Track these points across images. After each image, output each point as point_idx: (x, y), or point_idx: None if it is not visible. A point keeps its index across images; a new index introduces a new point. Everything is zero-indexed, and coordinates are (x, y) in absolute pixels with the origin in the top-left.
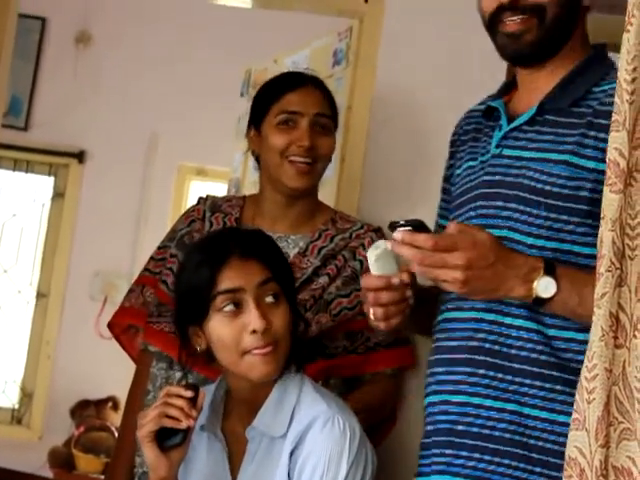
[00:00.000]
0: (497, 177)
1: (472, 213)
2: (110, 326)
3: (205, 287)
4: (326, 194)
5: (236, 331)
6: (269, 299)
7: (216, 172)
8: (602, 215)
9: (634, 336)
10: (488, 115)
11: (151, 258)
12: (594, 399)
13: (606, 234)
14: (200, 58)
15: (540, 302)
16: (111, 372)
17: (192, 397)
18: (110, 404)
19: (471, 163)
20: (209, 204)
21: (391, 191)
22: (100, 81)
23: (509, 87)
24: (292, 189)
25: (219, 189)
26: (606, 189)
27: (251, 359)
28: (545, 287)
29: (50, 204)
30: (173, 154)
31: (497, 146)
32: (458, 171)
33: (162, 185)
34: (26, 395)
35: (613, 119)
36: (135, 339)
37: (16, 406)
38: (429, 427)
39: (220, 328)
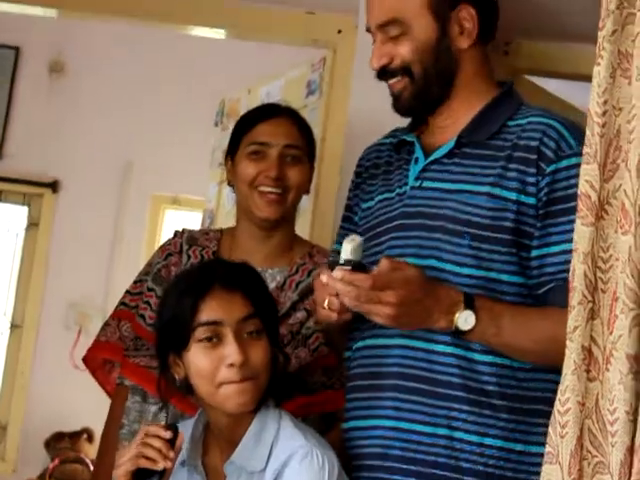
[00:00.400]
0: (418, 208)
1: (393, 242)
2: (85, 360)
3: (186, 317)
4: (301, 225)
5: (214, 363)
6: (249, 334)
7: (190, 201)
8: (574, 248)
9: (606, 369)
10: (398, 149)
11: (127, 292)
12: (567, 433)
13: (578, 267)
14: (174, 88)
15: (460, 333)
16: (86, 404)
17: (171, 438)
18: (85, 436)
19: (387, 195)
20: (186, 237)
21: None
22: (74, 110)
23: (418, 122)
24: (262, 219)
25: (193, 218)
26: (578, 221)
27: (227, 390)
28: (465, 320)
29: (24, 234)
30: (147, 183)
31: (416, 178)
32: (370, 203)
33: (136, 214)
34: (0, 427)
35: (584, 152)
36: (111, 374)
37: None
38: (356, 451)
39: (198, 359)
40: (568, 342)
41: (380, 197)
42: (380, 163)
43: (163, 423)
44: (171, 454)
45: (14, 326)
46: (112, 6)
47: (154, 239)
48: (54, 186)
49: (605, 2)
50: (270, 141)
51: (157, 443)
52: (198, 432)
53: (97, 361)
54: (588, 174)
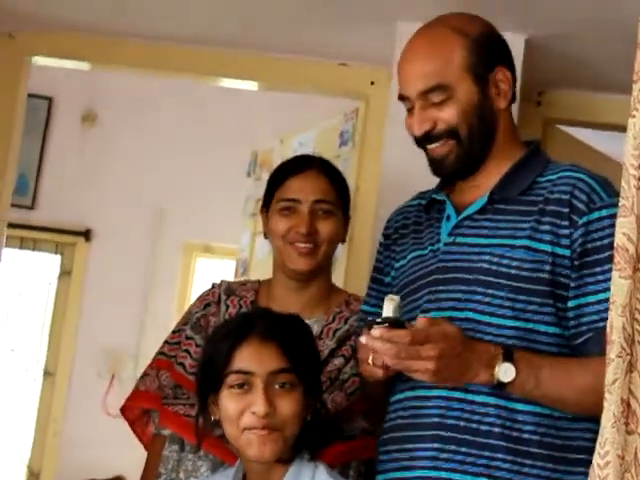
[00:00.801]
0: (454, 263)
1: (430, 296)
2: (124, 410)
3: (221, 362)
4: (335, 274)
5: (240, 408)
6: (281, 386)
7: (223, 249)
8: (612, 300)
9: None
10: (428, 209)
11: (166, 342)
12: None
13: (616, 319)
14: (206, 137)
15: (501, 386)
16: (118, 451)
17: None
18: None
19: (419, 252)
20: (224, 288)
21: None
22: (106, 159)
23: (448, 182)
24: (296, 272)
25: (225, 266)
26: (615, 274)
27: (249, 436)
28: (505, 372)
29: (57, 282)
30: (179, 231)
31: (450, 234)
32: (402, 262)
33: (168, 262)
34: (33, 474)
35: (620, 204)
36: (148, 426)
37: None
38: None
39: (227, 403)
40: (607, 394)
41: (413, 254)
42: (408, 224)
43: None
44: None
45: (47, 373)
46: (143, 59)
47: (186, 286)
48: (87, 235)
49: None
50: (299, 197)
51: None
52: None
53: (135, 411)
54: (625, 227)
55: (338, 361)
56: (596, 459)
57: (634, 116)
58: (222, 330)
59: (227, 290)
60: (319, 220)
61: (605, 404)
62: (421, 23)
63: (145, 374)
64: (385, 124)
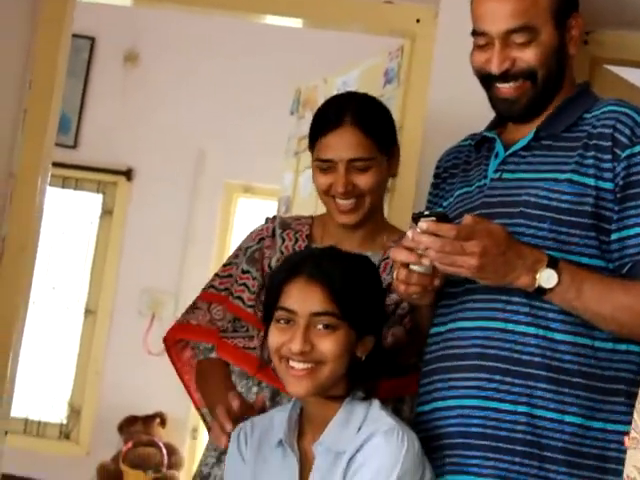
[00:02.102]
0: (499, 198)
1: None
2: (165, 340)
3: (273, 296)
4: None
5: (282, 341)
6: (323, 327)
7: (263, 189)
8: None
9: None
10: (478, 147)
11: (216, 275)
12: None
13: None
14: (248, 76)
15: (541, 292)
16: (158, 388)
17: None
18: (158, 420)
19: (465, 189)
20: (278, 222)
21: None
22: (148, 99)
23: (500, 121)
24: (342, 225)
25: (266, 206)
26: None
27: (287, 370)
28: (547, 278)
29: (98, 222)
30: (220, 172)
31: (496, 171)
32: (449, 200)
33: (209, 202)
34: (74, 411)
35: None
36: (184, 352)
37: (64, 422)
38: (436, 431)
39: (272, 334)
40: None
41: (459, 192)
42: (459, 163)
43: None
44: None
45: (88, 312)
46: None
47: (227, 227)
48: (128, 174)
49: None
50: (334, 158)
51: None
52: (295, 414)
53: (173, 342)
54: None
55: (395, 296)
56: None
57: None
58: (279, 266)
59: (282, 224)
60: (357, 175)
61: None
62: None
63: (195, 307)
64: (431, 62)
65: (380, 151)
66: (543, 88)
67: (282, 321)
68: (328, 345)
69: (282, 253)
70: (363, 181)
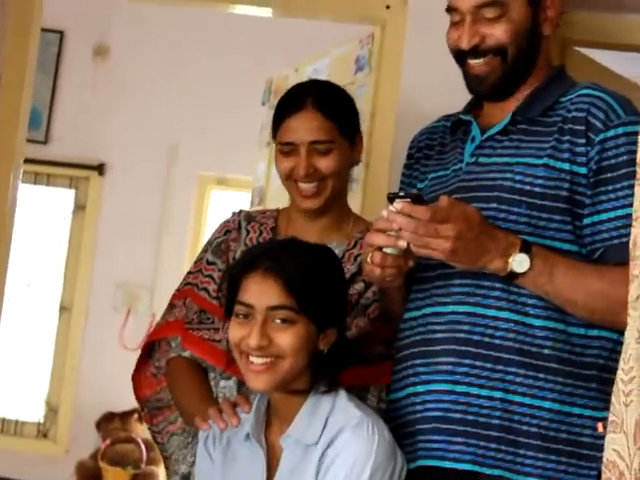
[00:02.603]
0: (474, 182)
1: None
2: (145, 347)
3: (231, 290)
4: (352, 200)
5: (241, 335)
6: (280, 321)
7: (237, 181)
8: (635, 216)
9: None
10: (454, 130)
11: (189, 272)
12: (631, 401)
13: (639, 236)
14: (219, 67)
15: (513, 276)
16: None
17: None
18: (135, 416)
19: (441, 173)
20: (244, 215)
21: None
22: (119, 93)
23: (476, 104)
24: (305, 210)
25: (240, 198)
26: (637, 189)
27: (246, 365)
28: (519, 263)
29: (71, 217)
30: (193, 164)
31: (472, 155)
32: (424, 183)
33: (183, 195)
34: (51, 409)
35: None
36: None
37: (42, 420)
38: (410, 417)
39: (232, 329)
40: (631, 311)
41: (434, 175)
42: (433, 144)
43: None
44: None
45: (63, 308)
46: None
47: (201, 219)
48: (100, 169)
49: None
50: (295, 140)
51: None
52: (262, 407)
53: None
54: None
55: (358, 285)
56: (620, 375)
57: None
58: (238, 260)
59: (247, 217)
60: (318, 158)
61: (629, 320)
62: None
63: (172, 305)
64: (402, 48)
65: (342, 135)
66: (513, 66)
67: (241, 315)
68: (286, 339)
69: (246, 245)
70: (324, 164)
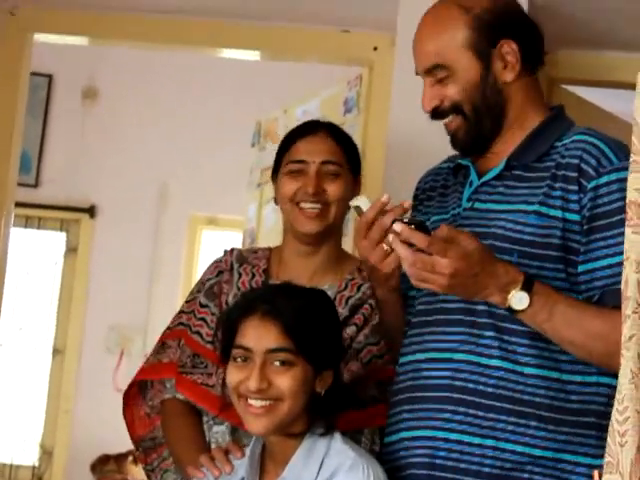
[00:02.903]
0: (469, 229)
1: None
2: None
3: (228, 335)
4: (344, 239)
5: (239, 379)
6: (279, 364)
7: (228, 221)
8: (626, 257)
9: None
10: (455, 173)
11: (182, 312)
12: (627, 442)
13: (631, 276)
14: (209, 109)
15: (512, 312)
16: None
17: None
18: (131, 458)
19: (442, 216)
20: (236, 255)
21: None
22: (108, 135)
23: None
24: (305, 234)
25: (231, 238)
26: (628, 230)
27: (246, 408)
28: (519, 300)
29: (63, 260)
30: (183, 205)
31: (468, 200)
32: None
33: (174, 235)
34: (46, 452)
35: (632, 160)
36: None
37: (37, 464)
38: (402, 462)
39: (230, 373)
40: (624, 351)
41: (435, 218)
42: (437, 186)
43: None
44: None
45: (56, 351)
46: (143, 33)
47: (192, 259)
48: (91, 211)
49: None
50: (307, 158)
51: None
52: (257, 452)
53: (134, 394)
54: (637, 183)
55: (350, 329)
56: (614, 415)
57: None
58: (234, 304)
59: (239, 258)
60: (327, 181)
61: (622, 361)
62: None
63: (165, 345)
64: (390, 90)
65: (348, 166)
66: (475, 121)
67: (239, 359)
68: (285, 381)
69: (239, 289)
70: (331, 188)
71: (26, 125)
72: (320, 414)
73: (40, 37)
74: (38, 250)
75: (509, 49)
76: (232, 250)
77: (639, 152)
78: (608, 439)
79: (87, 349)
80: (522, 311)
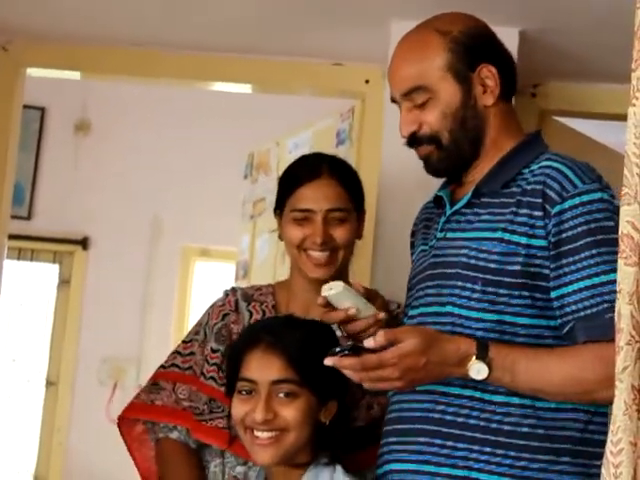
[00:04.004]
0: (441, 258)
1: (420, 293)
2: (123, 419)
3: (233, 368)
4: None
5: (245, 411)
6: (284, 395)
7: (220, 252)
8: (618, 289)
9: None
10: (437, 204)
11: (177, 353)
12: (621, 473)
13: (624, 307)
14: (200, 140)
15: (475, 380)
16: (123, 458)
17: None
18: None
19: (423, 247)
20: (241, 294)
21: (403, 265)
22: (101, 167)
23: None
24: (313, 280)
25: (224, 269)
26: (621, 262)
27: (252, 440)
28: (477, 371)
29: (56, 291)
30: (176, 236)
31: (441, 230)
32: (413, 257)
33: (167, 267)
34: None
35: (623, 192)
36: (134, 427)
37: None
38: None
39: (235, 405)
40: (617, 383)
41: (419, 249)
42: (424, 219)
43: None
44: None
45: (49, 383)
46: (135, 66)
47: (185, 290)
48: (84, 243)
49: (638, 43)
50: (312, 207)
51: None
52: None
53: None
54: (629, 215)
55: None
56: (609, 447)
57: (634, 105)
58: (237, 338)
59: (245, 297)
60: (333, 227)
61: (616, 392)
62: (415, 21)
63: (159, 387)
64: (382, 122)
65: (353, 206)
66: (454, 148)
67: (244, 392)
68: (290, 412)
69: None
70: (339, 234)
71: (19, 157)
72: (325, 444)
73: (33, 71)
74: (31, 282)
75: (488, 73)
76: (234, 290)
77: (630, 185)
78: (602, 470)
79: (80, 381)
80: (485, 379)
